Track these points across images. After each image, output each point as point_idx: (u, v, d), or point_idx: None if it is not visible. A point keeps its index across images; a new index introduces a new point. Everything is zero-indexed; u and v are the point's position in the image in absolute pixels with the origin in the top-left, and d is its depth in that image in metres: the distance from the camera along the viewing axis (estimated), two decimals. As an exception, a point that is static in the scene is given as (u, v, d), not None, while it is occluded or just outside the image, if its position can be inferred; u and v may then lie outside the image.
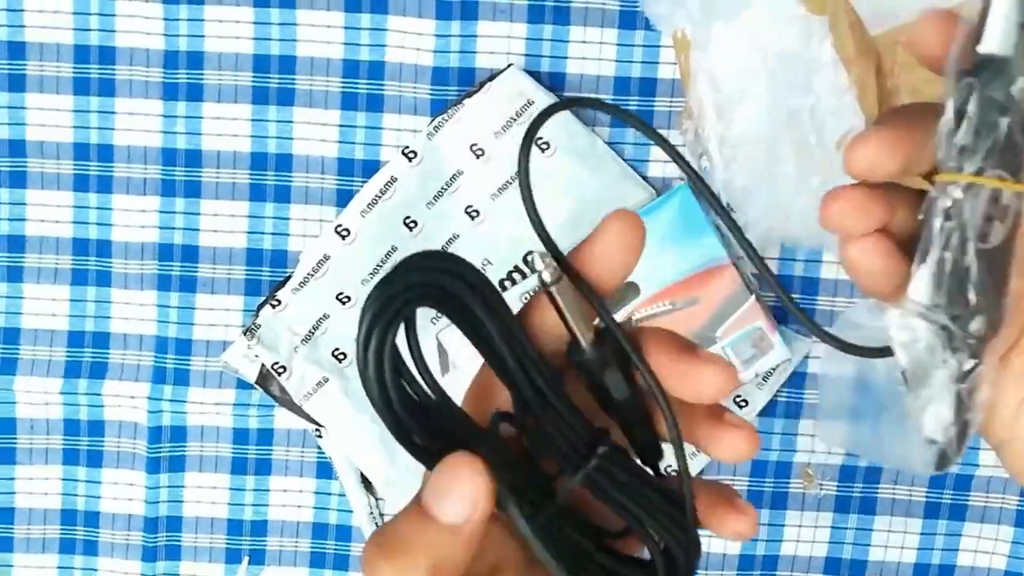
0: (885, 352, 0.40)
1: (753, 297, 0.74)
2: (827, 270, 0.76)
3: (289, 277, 0.76)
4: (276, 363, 0.76)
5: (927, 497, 0.78)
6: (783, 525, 0.79)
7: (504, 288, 0.76)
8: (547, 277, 0.37)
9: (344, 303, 0.76)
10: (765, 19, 0.67)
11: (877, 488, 0.78)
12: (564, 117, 0.75)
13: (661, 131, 0.74)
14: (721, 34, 0.68)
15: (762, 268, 0.42)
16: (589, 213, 0.73)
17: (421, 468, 0.73)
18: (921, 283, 0.38)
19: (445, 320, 0.75)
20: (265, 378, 0.77)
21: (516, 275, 0.76)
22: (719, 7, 0.68)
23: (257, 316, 0.76)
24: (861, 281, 0.41)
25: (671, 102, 0.75)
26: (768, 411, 0.78)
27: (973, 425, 0.39)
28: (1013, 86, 0.36)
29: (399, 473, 0.77)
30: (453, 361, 0.75)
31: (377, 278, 0.73)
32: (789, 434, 0.78)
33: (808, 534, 0.79)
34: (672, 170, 0.75)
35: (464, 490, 0.36)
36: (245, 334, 0.76)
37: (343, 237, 0.76)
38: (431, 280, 0.35)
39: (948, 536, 0.79)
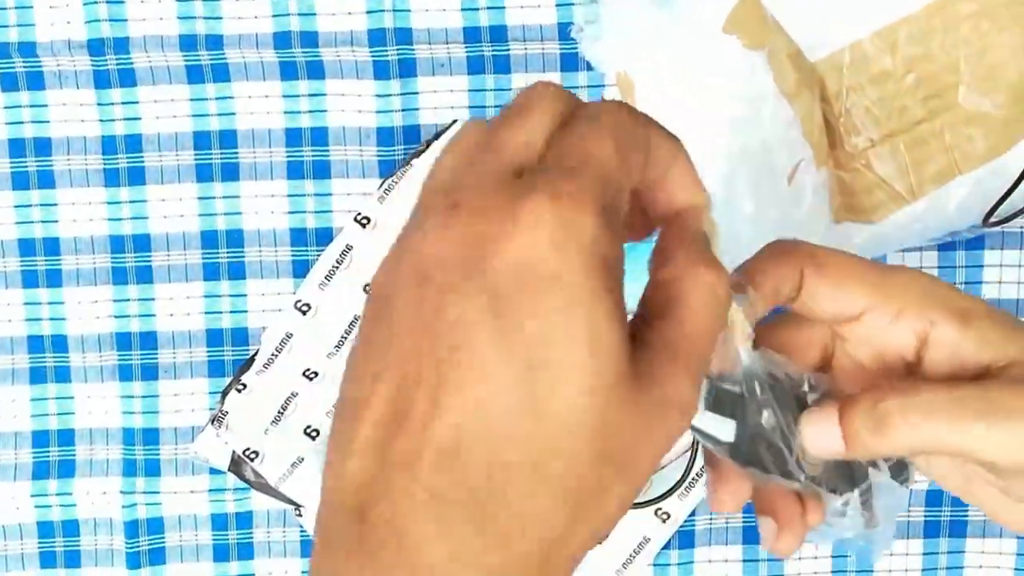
0: None
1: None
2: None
3: (253, 357, 0.74)
4: (247, 449, 0.74)
5: (926, 516, 0.76)
6: (783, 560, 0.77)
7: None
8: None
9: (311, 379, 0.74)
10: (708, 55, 0.65)
11: (874, 512, 0.77)
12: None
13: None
14: (664, 72, 0.67)
15: None
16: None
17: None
18: None
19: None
20: (238, 464, 0.75)
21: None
22: (658, 45, 0.67)
23: (223, 402, 0.74)
24: None
25: (624, 141, 0.73)
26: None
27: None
28: None
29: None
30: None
31: (343, 349, 0.72)
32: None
33: (810, 566, 0.77)
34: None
35: None
36: (213, 423, 0.74)
37: (304, 312, 0.74)
38: None
39: (951, 554, 0.77)
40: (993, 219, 0.69)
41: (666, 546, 0.76)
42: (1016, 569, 0.77)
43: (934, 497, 0.76)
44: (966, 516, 0.77)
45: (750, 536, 0.77)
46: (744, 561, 0.77)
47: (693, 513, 0.76)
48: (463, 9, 0.73)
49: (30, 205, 0.75)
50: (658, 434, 0.35)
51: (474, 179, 0.34)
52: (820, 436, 0.42)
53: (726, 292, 0.37)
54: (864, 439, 0.41)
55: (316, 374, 0.74)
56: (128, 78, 0.74)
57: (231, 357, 0.76)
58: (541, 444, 0.32)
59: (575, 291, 0.32)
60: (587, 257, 0.32)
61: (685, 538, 0.77)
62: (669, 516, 0.75)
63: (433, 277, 0.32)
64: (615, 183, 0.34)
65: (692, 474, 0.74)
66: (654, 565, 0.76)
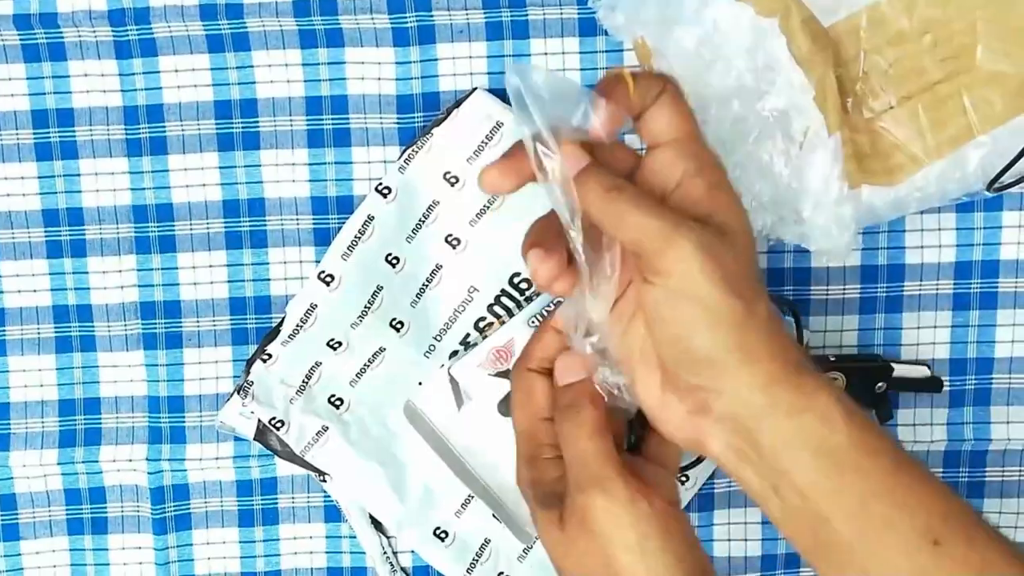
0: None
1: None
2: (816, 259, 0.74)
3: (277, 328, 0.75)
4: (273, 418, 0.74)
5: (943, 478, 0.77)
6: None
7: (495, 313, 0.74)
8: None
9: (335, 349, 0.74)
10: (722, 23, 0.65)
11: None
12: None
13: (633, 136, 0.74)
14: (681, 41, 0.67)
15: None
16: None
17: (431, 503, 0.73)
18: None
19: (458, 353, 0.74)
20: (263, 433, 0.75)
21: (504, 299, 0.74)
22: (674, 15, 0.67)
23: (248, 372, 0.75)
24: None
25: (643, 106, 0.74)
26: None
27: None
28: None
29: (409, 512, 0.76)
30: (466, 393, 0.74)
31: (367, 319, 0.72)
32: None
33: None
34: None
35: None
36: (238, 392, 0.75)
37: (327, 284, 0.74)
38: None
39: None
40: (998, 185, 0.70)
41: (685, 508, 0.77)
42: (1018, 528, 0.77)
43: (951, 458, 0.77)
44: (984, 478, 0.77)
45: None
46: (763, 523, 0.78)
47: (712, 475, 0.77)
48: (482, -26, 0.73)
49: (53, 176, 0.75)
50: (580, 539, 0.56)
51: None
52: (571, 161, 0.52)
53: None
54: (594, 188, 0.51)
55: (340, 344, 0.75)
56: (149, 48, 0.74)
57: (254, 325, 0.77)
58: None
59: None
60: None
61: (705, 501, 0.78)
62: (688, 479, 0.75)
63: None
64: None
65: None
66: (675, 528, 0.77)
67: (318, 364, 0.75)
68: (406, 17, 0.73)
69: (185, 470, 0.78)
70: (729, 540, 0.78)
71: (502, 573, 0.76)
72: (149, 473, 0.78)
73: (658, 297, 0.50)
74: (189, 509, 0.79)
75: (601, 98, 0.52)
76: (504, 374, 0.73)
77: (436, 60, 0.74)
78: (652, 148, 0.53)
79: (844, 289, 0.76)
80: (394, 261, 0.74)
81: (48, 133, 0.75)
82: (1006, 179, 0.69)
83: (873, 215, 0.71)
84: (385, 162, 0.75)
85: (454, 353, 0.75)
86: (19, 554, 0.79)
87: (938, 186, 0.70)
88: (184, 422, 0.78)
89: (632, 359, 0.55)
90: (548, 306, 0.73)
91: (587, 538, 0.54)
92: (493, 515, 0.75)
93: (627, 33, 0.71)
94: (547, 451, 0.58)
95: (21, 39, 0.74)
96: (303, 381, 0.75)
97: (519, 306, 0.74)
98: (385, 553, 0.78)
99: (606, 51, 0.73)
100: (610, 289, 0.53)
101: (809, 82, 0.65)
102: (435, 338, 0.75)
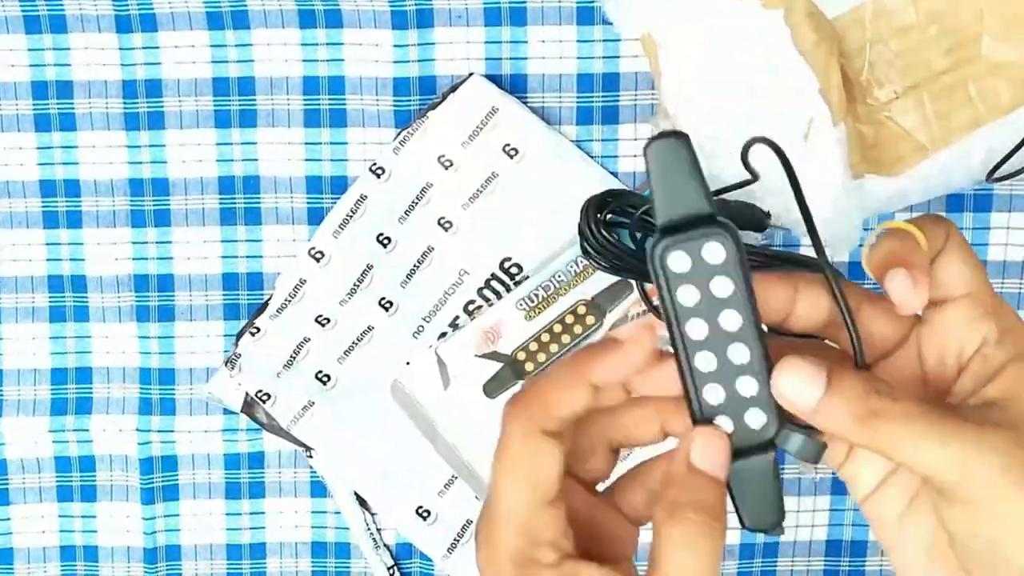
0: None
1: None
2: (806, 253, 0.75)
3: (267, 303, 0.76)
4: (260, 391, 0.75)
5: (924, 473, 0.78)
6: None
7: (484, 297, 0.75)
8: None
9: (323, 325, 0.75)
10: (728, 18, 0.65)
11: (873, 467, 0.78)
12: (528, 120, 0.74)
13: (627, 125, 0.75)
14: (687, 35, 0.67)
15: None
16: (563, 211, 0.73)
17: (414, 481, 0.73)
18: None
19: (446, 334, 0.75)
20: (250, 405, 0.76)
21: (494, 283, 0.75)
22: (680, 8, 0.67)
23: (237, 345, 0.76)
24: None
25: (636, 96, 0.74)
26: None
27: None
28: None
29: (392, 488, 0.77)
30: (453, 373, 0.75)
31: (356, 297, 0.73)
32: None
33: (807, 519, 0.78)
34: (641, 164, 0.74)
35: None
36: (226, 364, 0.76)
37: (317, 260, 0.75)
38: None
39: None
40: (998, 174, 0.69)
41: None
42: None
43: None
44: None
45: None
46: (741, 544, 0.78)
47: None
48: (481, -40, 0.73)
49: (51, 147, 0.76)
50: None
51: None
52: (795, 388, 0.41)
53: (710, 543, 0.40)
54: (844, 418, 0.41)
55: (328, 320, 0.75)
56: (149, 23, 0.74)
57: (246, 301, 0.78)
58: None
59: None
60: None
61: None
62: None
63: None
64: None
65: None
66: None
67: (306, 340, 0.75)
68: (405, 1, 0.73)
69: (174, 441, 0.79)
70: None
71: (483, 553, 0.77)
72: (139, 443, 0.79)
73: (962, 516, 0.41)
74: (177, 480, 0.80)
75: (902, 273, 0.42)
76: (491, 355, 0.74)
77: (433, 44, 0.74)
78: (938, 305, 0.44)
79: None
80: (385, 241, 0.75)
81: (47, 105, 0.76)
82: (1006, 169, 0.69)
83: (875, 205, 0.72)
84: (380, 144, 0.75)
85: (443, 335, 0.76)
86: (8, 519, 0.80)
87: (942, 177, 0.70)
88: (174, 394, 0.79)
89: (910, 553, 0.45)
90: (541, 290, 0.74)
91: None
92: (476, 496, 0.76)
93: (633, 26, 0.71)
94: (547, 553, 0.42)
95: (23, 10, 0.74)
96: (291, 356, 0.75)
97: (508, 291, 0.75)
98: (369, 529, 0.78)
99: (603, 40, 0.74)
100: None
101: (814, 74, 0.66)
102: (424, 319, 0.76)
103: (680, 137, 0.39)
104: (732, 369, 0.41)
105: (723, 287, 0.40)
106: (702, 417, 0.42)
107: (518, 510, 0.42)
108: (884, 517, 0.45)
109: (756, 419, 0.42)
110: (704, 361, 0.41)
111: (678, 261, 0.40)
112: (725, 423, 0.42)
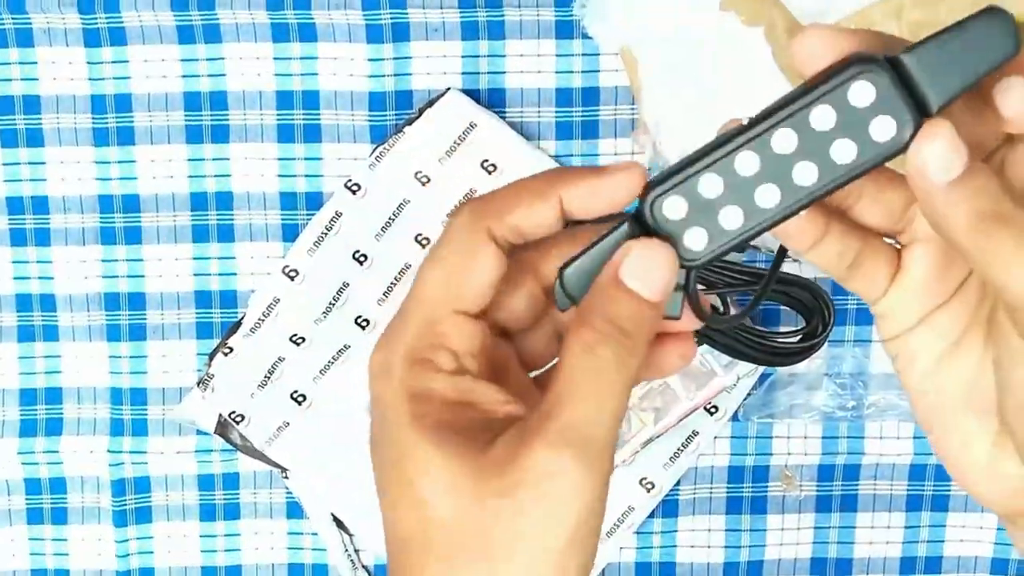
0: None
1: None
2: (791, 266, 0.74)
3: (240, 322, 0.74)
4: (233, 412, 0.74)
5: (908, 490, 0.77)
6: (765, 530, 0.77)
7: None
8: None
9: (298, 344, 0.74)
10: (709, 33, 0.65)
11: (857, 485, 0.77)
12: (507, 135, 0.72)
13: (608, 140, 0.74)
14: (667, 49, 0.66)
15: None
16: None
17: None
18: None
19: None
20: (224, 427, 0.75)
21: (472, 300, 0.74)
22: (660, 24, 0.66)
23: (210, 365, 0.74)
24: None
25: (615, 110, 0.73)
26: (740, 415, 0.76)
27: None
28: None
29: (370, 508, 0.75)
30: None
31: (331, 315, 0.72)
32: (764, 437, 0.76)
33: (792, 536, 0.78)
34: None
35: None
36: (199, 385, 0.74)
37: (291, 278, 0.74)
38: None
39: (932, 528, 0.78)
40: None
41: (650, 515, 0.77)
42: (996, 543, 0.77)
43: (917, 471, 0.77)
44: (948, 491, 0.77)
45: (733, 506, 0.77)
46: (727, 531, 0.78)
47: (678, 483, 0.77)
48: (457, -27, 0.72)
49: (18, 163, 0.75)
50: (534, 511, 0.35)
51: None
52: (943, 152, 0.35)
53: (613, 353, 0.35)
54: (965, 213, 0.35)
55: (303, 339, 0.74)
56: (118, 37, 0.73)
57: (219, 319, 0.76)
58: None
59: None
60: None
61: (669, 507, 0.77)
62: (654, 486, 0.75)
63: None
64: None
65: (678, 446, 0.75)
66: (637, 533, 0.77)
67: (280, 359, 0.74)
68: (380, 14, 0.72)
69: (146, 463, 0.77)
70: (692, 547, 0.78)
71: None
72: (110, 465, 0.77)
73: None
74: (150, 502, 0.78)
75: None
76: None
77: (410, 58, 0.73)
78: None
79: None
80: (362, 259, 0.74)
81: (14, 120, 0.74)
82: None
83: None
84: (356, 159, 0.74)
85: (420, 353, 0.74)
86: (-23, 543, 0.79)
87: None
88: (147, 415, 0.77)
89: (945, 398, 0.41)
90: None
91: (541, 511, 0.36)
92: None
93: (612, 41, 0.70)
94: (445, 358, 0.38)
95: (-12, 24, 0.73)
96: (265, 375, 0.74)
97: (487, 308, 0.74)
98: (347, 550, 0.77)
99: (583, 54, 0.73)
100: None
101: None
102: (401, 338, 0.74)
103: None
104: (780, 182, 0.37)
105: (881, 129, 0.36)
106: (655, 227, 0.37)
107: (432, 306, 0.38)
108: (920, 359, 0.40)
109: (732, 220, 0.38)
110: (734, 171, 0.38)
111: (865, 93, 0.36)
112: (696, 236, 0.37)
